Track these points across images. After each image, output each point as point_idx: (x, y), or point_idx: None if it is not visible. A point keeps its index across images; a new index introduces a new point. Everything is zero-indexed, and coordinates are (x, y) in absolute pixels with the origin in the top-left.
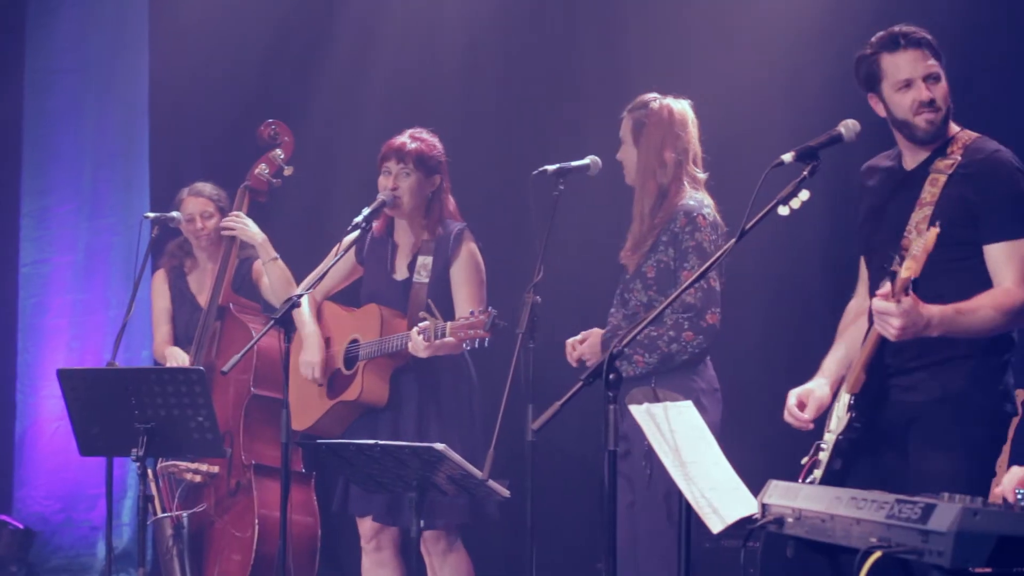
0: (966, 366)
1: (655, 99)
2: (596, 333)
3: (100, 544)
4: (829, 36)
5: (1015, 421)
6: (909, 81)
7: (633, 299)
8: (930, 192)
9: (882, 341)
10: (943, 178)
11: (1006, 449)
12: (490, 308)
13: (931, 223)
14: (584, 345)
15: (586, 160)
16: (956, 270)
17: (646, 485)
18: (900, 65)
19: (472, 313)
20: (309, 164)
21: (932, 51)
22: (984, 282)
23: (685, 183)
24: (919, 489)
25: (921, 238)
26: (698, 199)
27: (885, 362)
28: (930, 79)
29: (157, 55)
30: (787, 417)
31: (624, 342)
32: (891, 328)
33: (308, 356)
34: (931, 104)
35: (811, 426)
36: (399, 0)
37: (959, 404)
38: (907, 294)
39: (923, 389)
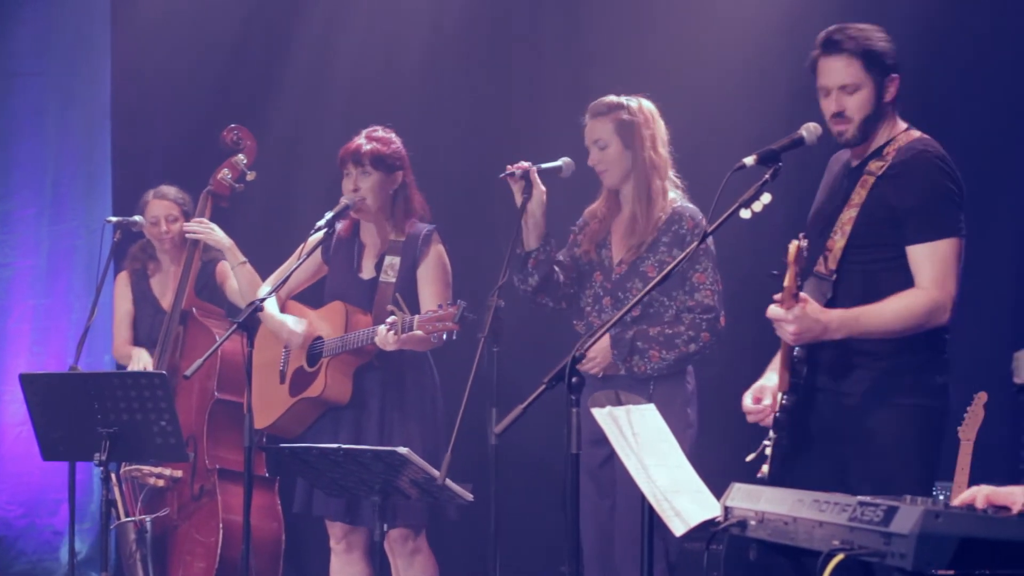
0: (892, 363)
1: (629, 100)
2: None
3: (63, 549)
4: (792, 38)
5: (976, 422)
6: (827, 89)
7: (631, 298)
8: (859, 194)
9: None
10: (872, 180)
11: (968, 452)
12: (459, 300)
13: (855, 224)
14: (593, 350)
15: (558, 162)
16: (885, 270)
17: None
18: (824, 71)
19: (440, 306)
20: (272, 167)
21: (862, 57)
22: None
23: (670, 179)
24: (857, 487)
25: (792, 245)
26: (690, 203)
27: (814, 359)
28: (846, 90)
29: (119, 59)
30: (751, 417)
31: (588, 345)
32: (786, 334)
33: (285, 330)
34: (840, 115)
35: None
36: (362, 1)
37: (883, 404)
38: (796, 300)
39: (849, 390)
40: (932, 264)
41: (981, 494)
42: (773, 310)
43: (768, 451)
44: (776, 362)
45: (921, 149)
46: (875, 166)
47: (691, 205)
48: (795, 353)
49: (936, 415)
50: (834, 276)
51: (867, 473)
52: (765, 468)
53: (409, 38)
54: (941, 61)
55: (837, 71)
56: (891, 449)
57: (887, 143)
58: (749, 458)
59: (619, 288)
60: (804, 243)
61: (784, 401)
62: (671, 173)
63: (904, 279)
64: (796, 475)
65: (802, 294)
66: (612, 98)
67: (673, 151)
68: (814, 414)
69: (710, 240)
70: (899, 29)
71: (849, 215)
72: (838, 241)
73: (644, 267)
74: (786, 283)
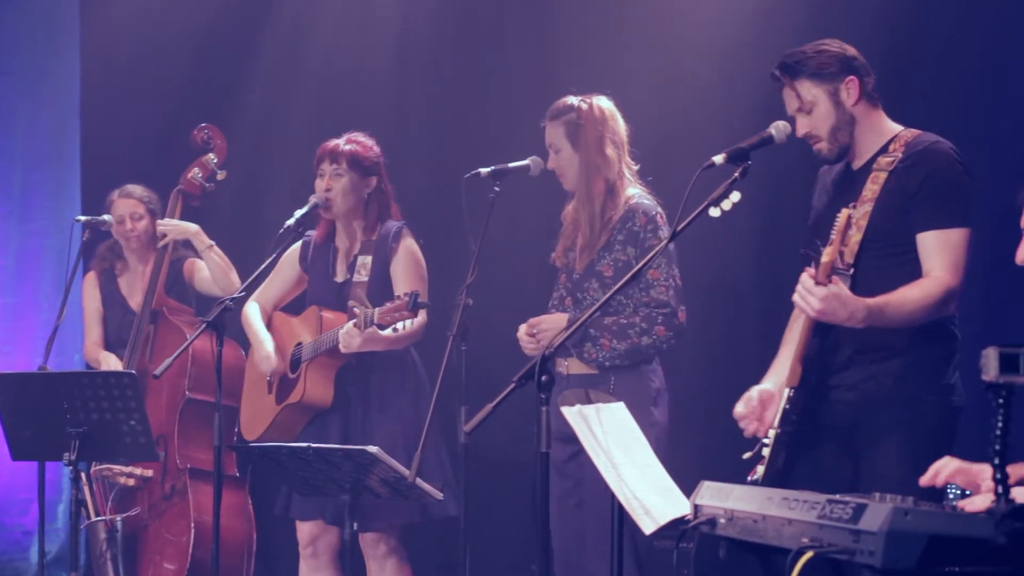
0: (905, 361)
1: (579, 100)
2: (556, 315)
3: (33, 549)
4: (762, 37)
5: None
6: (792, 117)
7: (588, 298)
8: (871, 189)
9: (814, 333)
10: (884, 175)
11: None
12: (415, 290)
13: (871, 218)
14: (546, 320)
15: (526, 161)
16: (903, 263)
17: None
18: (785, 102)
19: (397, 296)
20: (242, 167)
21: (804, 78)
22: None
23: (627, 175)
24: (868, 488)
25: (841, 214)
26: (648, 197)
27: (824, 358)
28: (803, 110)
29: (88, 58)
30: (740, 423)
31: (557, 342)
32: (809, 307)
33: (261, 352)
34: (809, 136)
35: (762, 422)
36: (330, 1)
37: (901, 402)
38: (830, 279)
39: (864, 387)
40: (943, 252)
41: (948, 468)
42: (805, 280)
43: (765, 451)
44: (775, 371)
45: (934, 140)
46: (885, 161)
47: (648, 200)
48: (808, 350)
49: (949, 413)
50: (852, 270)
51: (880, 471)
52: (760, 469)
53: (379, 37)
54: (909, 59)
55: (789, 100)
56: (905, 447)
57: (891, 140)
58: (746, 456)
59: (578, 289)
60: (852, 211)
61: (792, 394)
62: (627, 171)
63: (917, 267)
64: (803, 471)
65: (835, 277)
66: (565, 100)
67: (635, 150)
68: (824, 410)
69: (667, 235)
70: (867, 28)
71: (863, 210)
72: (853, 236)
73: (600, 266)
74: (825, 258)
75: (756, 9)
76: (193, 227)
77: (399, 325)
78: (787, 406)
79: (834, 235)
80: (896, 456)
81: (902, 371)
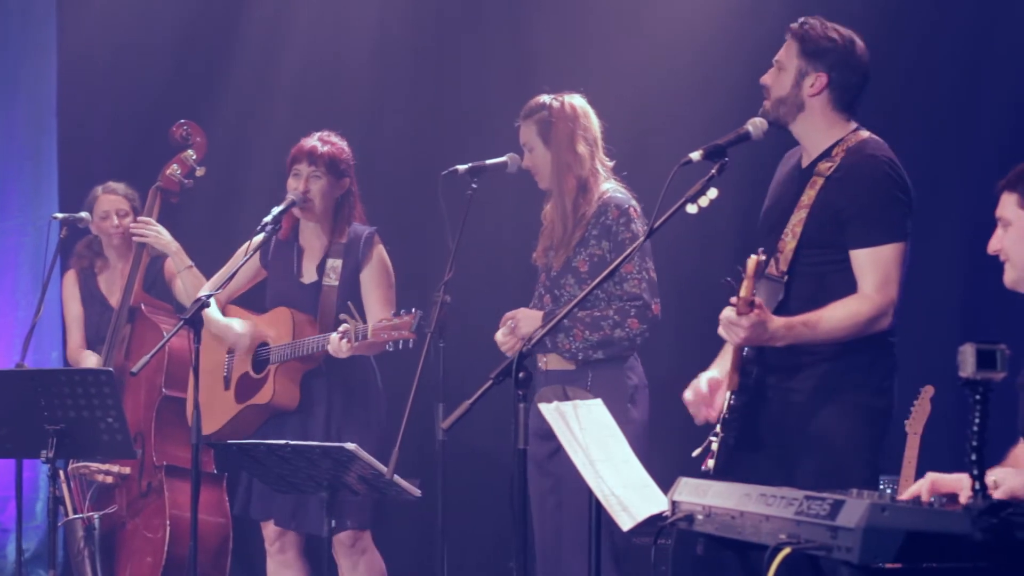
0: (835, 364)
1: (552, 98)
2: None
3: (11, 546)
4: (738, 34)
5: (923, 416)
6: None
7: (566, 294)
8: (808, 195)
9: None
10: (821, 181)
11: (915, 445)
12: (415, 309)
13: (805, 227)
14: (520, 312)
15: (504, 158)
16: (836, 272)
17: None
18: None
19: (397, 314)
20: (219, 164)
21: (797, 41)
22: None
23: (600, 171)
24: (802, 483)
25: (750, 259)
26: (623, 191)
27: (764, 359)
28: (777, 65)
29: (65, 54)
30: (690, 409)
31: (535, 339)
32: (735, 338)
33: (233, 333)
34: (762, 86)
35: (712, 411)
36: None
37: (828, 402)
38: (751, 309)
39: (797, 388)
40: (874, 270)
41: (927, 484)
42: (727, 314)
43: (714, 446)
44: (722, 358)
45: (869, 153)
46: (824, 167)
47: (620, 194)
48: (745, 354)
49: (879, 415)
50: (785, 278)
51: (813, 469)
52: (710, 462)
53: (356, 36)
54: (887, 60)
55: (780, 50)
56: (836, 446)
57: (837, 143)
58: (695, 453)
59: (555, 286)
60: (763, 257)
61: (732, 401)
62: (601, 168)
63: (851, 280)
64: (742, 470)
65: (757, 299)
66: (538, 99)
67: (612, 147)
68: (763, 412)
69: (640, 229)
70: (848, 26)
71: (799, 216)
72: (789, 243)
73: (576, 262)
74: (742, 293)
75: (733, 7)
76: (174, 245)
77: (399, 343)
78: (727, 414)
79: (745, 277)
80: (830, 454)
81: (831, 374)
